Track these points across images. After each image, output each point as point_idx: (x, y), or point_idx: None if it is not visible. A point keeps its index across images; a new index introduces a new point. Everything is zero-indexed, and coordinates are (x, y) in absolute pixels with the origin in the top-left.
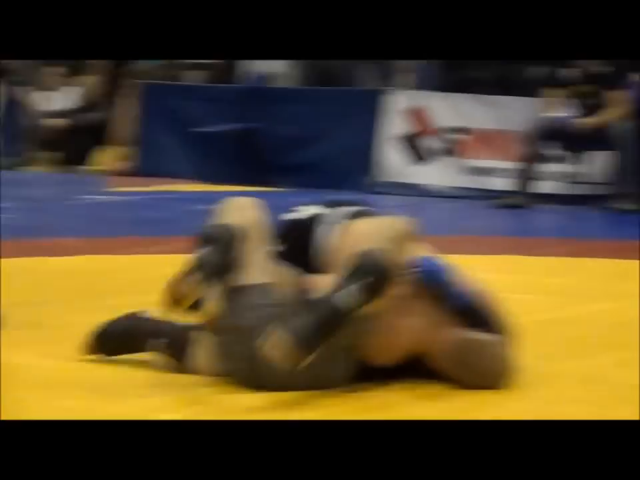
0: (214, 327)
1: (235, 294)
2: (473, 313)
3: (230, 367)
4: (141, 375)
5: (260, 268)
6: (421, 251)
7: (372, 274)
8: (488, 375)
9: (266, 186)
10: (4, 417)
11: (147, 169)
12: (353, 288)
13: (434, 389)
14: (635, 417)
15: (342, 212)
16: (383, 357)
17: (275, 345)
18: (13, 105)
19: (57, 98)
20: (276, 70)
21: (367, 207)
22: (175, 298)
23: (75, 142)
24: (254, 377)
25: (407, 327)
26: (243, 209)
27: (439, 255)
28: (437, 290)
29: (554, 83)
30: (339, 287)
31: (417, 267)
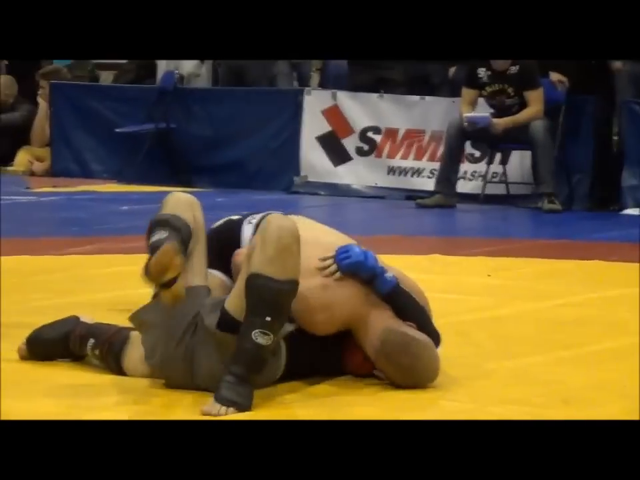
0: (145, 326)
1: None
2: (398, 300)
3: (164, 368)
4: (78, 376)
5: (199, 271)
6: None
7: (271, 300)
8: (409, 370)
9: (187, 186)
10: None
11: (60, 169)
12: (262, 322)
13: (370, 388)
14: (567, 417)
15: (256, 216)
16: (319, 329)
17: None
18: None
19: None
20: (191, 70)
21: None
22: (163, 267)
23: None
24: (189, 378)
25: (340, 302)
26: (191, 208)
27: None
28: (363, 274)
29: (471, 82)
30: (252, 324)
31: (342, 254)
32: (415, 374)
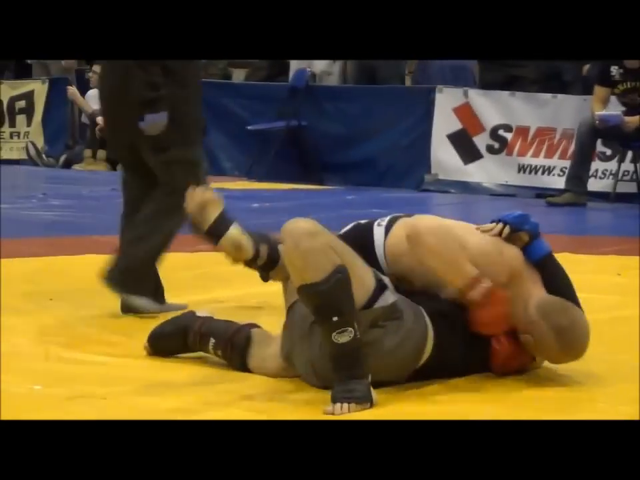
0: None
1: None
2: (551, 268)
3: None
4: (201, 373)
5: None
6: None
7: (325, 302)
8: (567, 331)
9: (317, 184)
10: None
11: None
12: (331, 324)
13: (525, 390)
14: None
15: (385, 218)
16: (494, 273)
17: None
18: (53, 103)
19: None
20: (324, 68)
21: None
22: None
23: None
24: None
25: (509, 253)
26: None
27: None
28: (527, 228)
29: (603, 80)
30: (325, 330)
31: (507, 216)
32: (571, 337)
